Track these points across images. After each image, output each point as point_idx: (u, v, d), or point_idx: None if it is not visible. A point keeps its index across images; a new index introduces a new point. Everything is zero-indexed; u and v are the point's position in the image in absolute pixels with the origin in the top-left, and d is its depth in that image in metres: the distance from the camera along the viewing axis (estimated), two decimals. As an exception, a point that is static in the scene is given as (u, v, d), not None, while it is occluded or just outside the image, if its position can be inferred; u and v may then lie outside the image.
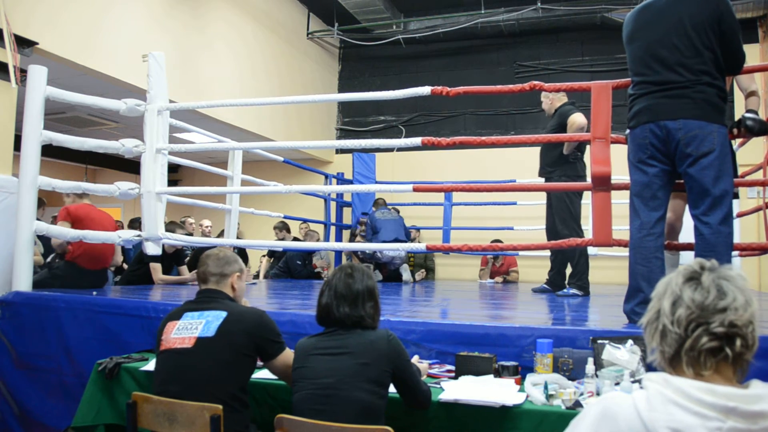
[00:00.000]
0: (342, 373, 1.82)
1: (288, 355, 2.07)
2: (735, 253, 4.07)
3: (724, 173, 2.50)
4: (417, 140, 3.36)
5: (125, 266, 6.09)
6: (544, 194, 7.22)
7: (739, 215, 4.82)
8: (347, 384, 1.81)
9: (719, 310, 1.05)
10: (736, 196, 2.83)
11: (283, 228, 7.17)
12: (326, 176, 7.63)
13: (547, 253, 7.13)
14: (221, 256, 2.27)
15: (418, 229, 7.80)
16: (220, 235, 6.16)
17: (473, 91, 3.32)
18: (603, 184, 2.96)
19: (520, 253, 7.31)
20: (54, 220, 4.16)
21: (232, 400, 1.96)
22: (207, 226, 6.59)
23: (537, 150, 8.20)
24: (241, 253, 5.73)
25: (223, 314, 2.06)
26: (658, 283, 1.17)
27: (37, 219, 3.58)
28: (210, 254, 2.28)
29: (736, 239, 2.67)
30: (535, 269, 7.74)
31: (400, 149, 8.54)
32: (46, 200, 5.87)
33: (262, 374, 2.26)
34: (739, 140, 4.42)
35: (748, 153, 4.80)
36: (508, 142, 3.43)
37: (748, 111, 2.83)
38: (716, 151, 2.48)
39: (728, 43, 2.55)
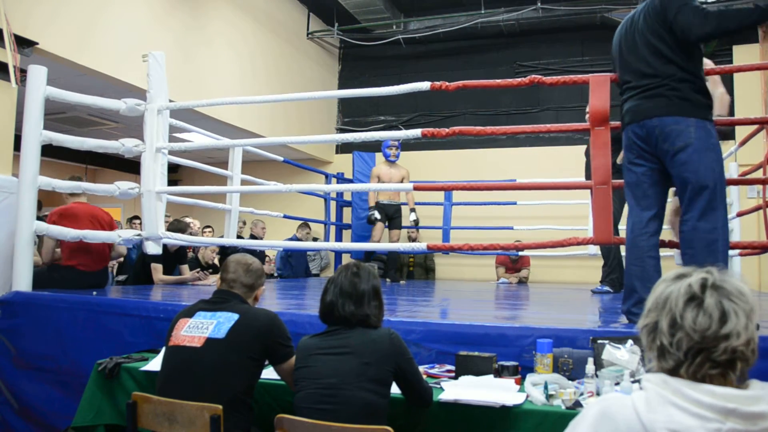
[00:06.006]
0: (344, 373, 1.82)
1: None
2: (735, 251, 4.08)
3: (703, 167, 2.47)
4: (417, 132, 3.39)
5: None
6: (544, 194, 7.28)
7: (739, 214, 4.83)
8: (350, 384, 1.80)
9: (722, 337, 1.01)
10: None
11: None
12: (327, 176, 7.64)
13: (555, 252, 7.15)
14: (253, 268, 2.23)
15: (417, 229, 7.80)
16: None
17: (472, 85, 3.32)
18: (603, 180, 2.95)
19: (523, 251, 7.32)
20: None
21: (236, 402, 1.96)
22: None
23: (537, 150, 8.20)
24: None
25: (235, 316, 2.06)
26: (655, 287, 1.13)
27: (38, 219, 3.58)
28: (241, 263, 2.22)
29: (736, 238, 2.66)
30: (544, 269, 7.77)
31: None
32: (43, 202, 5.84)
33: (263, 374, 2.25)
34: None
35: (748, 152, 4.80)
36: (507, 132, 3.46)
37: None
38: (693, 145, 2.46)
39: (676, 26, 2.52)
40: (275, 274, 7.73)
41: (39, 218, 3.67)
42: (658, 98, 2.56)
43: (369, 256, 6.65)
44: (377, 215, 6.19)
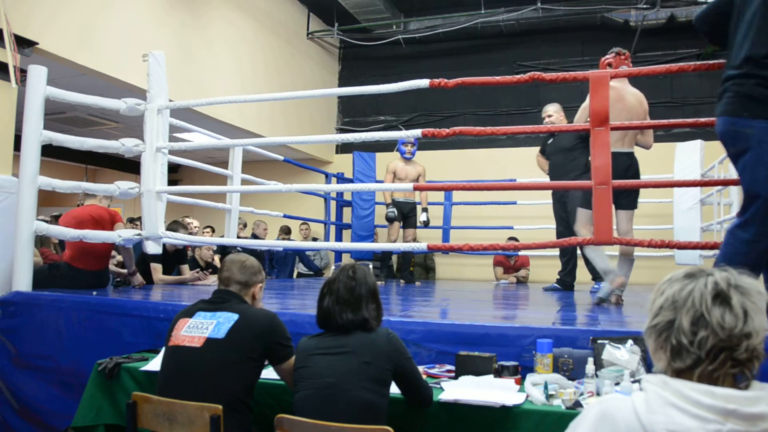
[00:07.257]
0: (344, 372, 1.82)
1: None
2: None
3: (758, 174, 2.21)
4: (417, 132, 3.39)
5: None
6: (544, 194, 7.27)
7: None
8: (349, 383, 1.81)
9: (745, 335, 1.00)
10: None
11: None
12: (327, 176, 7.64)
13: (554, 252, 7.15)
14: (248, 265, 2.23)
15: (422, 228, 7.79)
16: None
17: (471, 82, 3.31)
18: (603, 180, 2.94)
19: (522, 251, 7.32)
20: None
21: (235, 402, 1.96)
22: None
23: (537, 150, 8.19)
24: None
25: (235, 317, 2.06)
26: (662, 286, 1.10)
27: (38, 219, 3.58)
28: (235, 260, 2.23)
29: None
30: (544, 269, 7.75)
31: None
32: (43, 201, 5.83)
33: (263, 374, 2.25)
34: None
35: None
36: (506, 133, 3.46)
37: None
38: (751, 150, 2.20)
39: None
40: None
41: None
42: (725, 94, 2.30)
43: (384, 256, 6.57)
44: (395, 212, 6.04)
